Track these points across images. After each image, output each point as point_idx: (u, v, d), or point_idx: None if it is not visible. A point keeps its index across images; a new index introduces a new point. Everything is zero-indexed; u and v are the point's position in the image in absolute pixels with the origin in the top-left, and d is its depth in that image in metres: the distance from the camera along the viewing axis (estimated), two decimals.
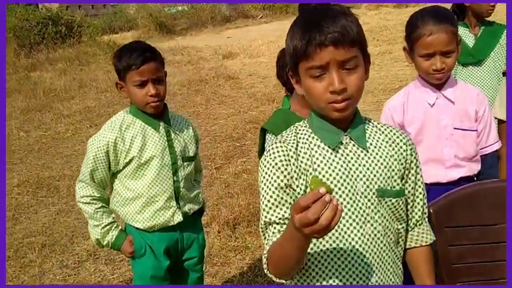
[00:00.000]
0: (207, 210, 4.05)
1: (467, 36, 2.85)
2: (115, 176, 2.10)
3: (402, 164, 1.33)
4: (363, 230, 1.26)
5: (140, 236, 2.10)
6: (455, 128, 1.95)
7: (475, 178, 2.01)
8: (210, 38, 15.01)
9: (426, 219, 1.44)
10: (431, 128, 1.96)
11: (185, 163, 2.14)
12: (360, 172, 1.27)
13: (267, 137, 1.99)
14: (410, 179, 1.36)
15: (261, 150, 2.04)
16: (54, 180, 5.20)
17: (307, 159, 1.27)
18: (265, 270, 1.26)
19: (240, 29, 17.98)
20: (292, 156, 1.27)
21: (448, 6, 2.62)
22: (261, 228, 1.29)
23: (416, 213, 1.40)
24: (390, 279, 1.31)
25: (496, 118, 2.12)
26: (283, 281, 1.28)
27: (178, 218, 2.11)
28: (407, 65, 2.00)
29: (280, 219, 1.25)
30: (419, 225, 1.41)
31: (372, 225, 1.27)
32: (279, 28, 13.42)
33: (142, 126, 2.06)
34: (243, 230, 3.76)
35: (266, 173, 1.27)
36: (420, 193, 1.39)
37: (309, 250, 1.23)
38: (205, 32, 17.73)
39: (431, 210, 1.67)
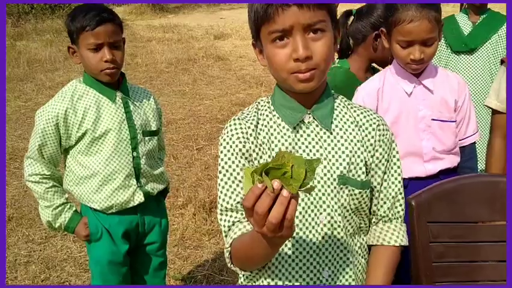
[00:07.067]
0: (183, 192, 3.93)
1: (465, 23, 2.72)
2: (68, 152, 1.91)
3: (370, 151, 1.18)
4: (318, 219, 1.12)
5: (97, 218, 1.92)
6: (433, 119, 1.80)
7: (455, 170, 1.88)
8: (203, 17, 14.73)
9: (400, 219, 1.26)
10: (408, 118, 1.81)
11: (146, 138, 1.95)
12: (321, 155, 1.13)
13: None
14: (380, 169, 1.20)
15: None
16: None
17: (267, 139, 1.14)
18: (229, 265, 1.13)
19: (234, 11, 17.65)
20: (251, 135, 1.14)
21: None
22: (220, 214, 1.16)
23: (382, 207, 1.23)
24: (344, 276, 1.17)
25: (488, 107, 1.97)
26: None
27: (139, 198, 1.93)
28: None
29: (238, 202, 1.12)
30: (384, 222, 1.25)
31: (328, 214, 1.13)
32: None
33: (97, 97, 1.87)
34: None
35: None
36: (390, 187, 1.22)
37: None
38: (199, 12, 17.39)
39: (413, 203, 1.53)
